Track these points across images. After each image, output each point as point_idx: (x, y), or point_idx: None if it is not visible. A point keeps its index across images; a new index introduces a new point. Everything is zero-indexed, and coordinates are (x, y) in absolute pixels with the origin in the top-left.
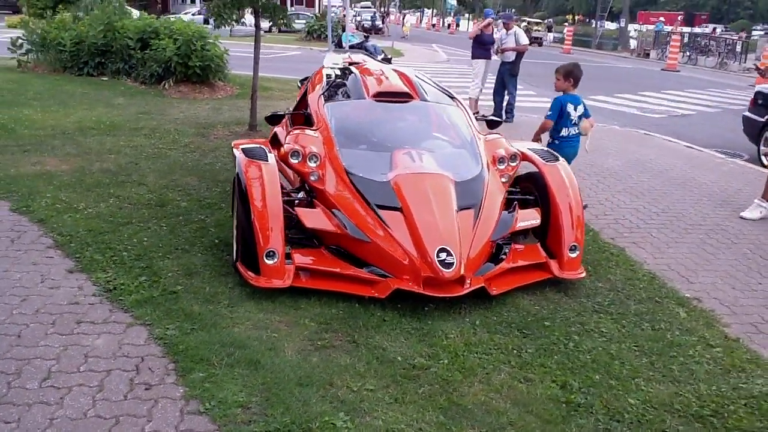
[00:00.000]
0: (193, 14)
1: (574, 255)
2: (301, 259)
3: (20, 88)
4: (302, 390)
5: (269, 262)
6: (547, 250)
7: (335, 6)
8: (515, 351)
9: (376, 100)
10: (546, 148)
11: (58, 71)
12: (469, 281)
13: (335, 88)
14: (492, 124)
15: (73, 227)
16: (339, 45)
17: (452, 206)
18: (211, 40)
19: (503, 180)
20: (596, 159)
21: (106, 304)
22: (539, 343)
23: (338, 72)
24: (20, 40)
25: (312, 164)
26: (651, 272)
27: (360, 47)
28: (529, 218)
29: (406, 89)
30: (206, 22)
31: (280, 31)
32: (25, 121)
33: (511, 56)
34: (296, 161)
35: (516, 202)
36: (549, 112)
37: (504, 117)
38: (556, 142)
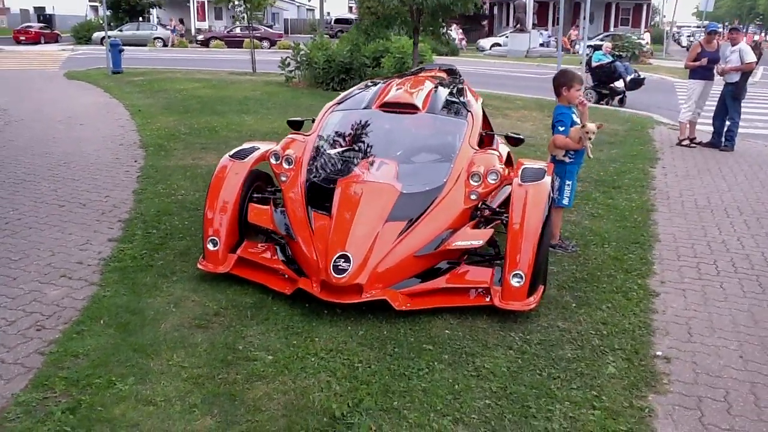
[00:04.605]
0: (506, 35)
1: (517, 284)
2: (243, 249)
3: (266, 98)
4: (131, 354)
5: (211, 248)
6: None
7: (674, 23)
8: (358, 365)
9: (382, 110)
10: (539, 167)
11: (313, 86)
12: (373, 292)
13: (353, 96)
14: (514, 142)
15: (151, 207)
16: (588, 64)
17: (379, 216)
18: (426, 57)
19: (472, 197)
20: None
21: (98, 266)
22: (393, 364)
23: (374, 82)
24: (288, 60)
25: (286, 166)
26: (645, 323)
27: (609, 66)
28: (473, 238)
29: (412, 101)
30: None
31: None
32: (234, 125)
33: (735, 77)
34: (275, 162)
35: (473, 221)
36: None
37: (722, 144)
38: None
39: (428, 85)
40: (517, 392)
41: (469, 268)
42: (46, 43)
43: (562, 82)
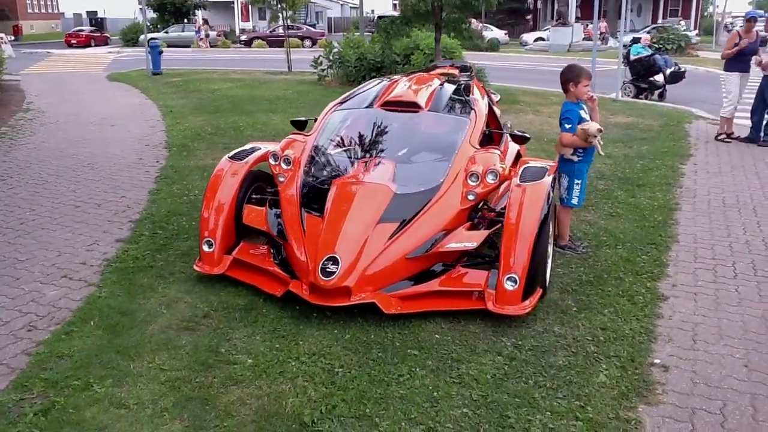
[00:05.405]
0: (549, 29)
1: (511, 287)
2: (239, 251)
3: (296, 97)
4: (113, 356)
5: (206, 249)
6: None
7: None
8: (338, 370)
9: (384, 109)
10: (541, 166)
11: (345, 84)
12: (362, 295)
13: (357, 95)
14: (520, 140)
15: (162, 208)
16: (627, 57)
17: (371, 217)
18: (456, 53)
19: (469, 197)
20: None
21: (100, 267)
22: (374, 369)
23: (380, 80)
24: (320, 58)
25: (285, 166)
26: (647, 328)
27: (648, 60)
28: (467, 240)
29: (413, 99)
30: None
31: None
32: (260, 125)
33: None
34: (273, 163)
35: (469, 222)
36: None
37: (761, 139)
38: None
39: (433, 83)
40: (498, 401)
41: (465, 271)
42: (96, 46)
43: (569, 77)
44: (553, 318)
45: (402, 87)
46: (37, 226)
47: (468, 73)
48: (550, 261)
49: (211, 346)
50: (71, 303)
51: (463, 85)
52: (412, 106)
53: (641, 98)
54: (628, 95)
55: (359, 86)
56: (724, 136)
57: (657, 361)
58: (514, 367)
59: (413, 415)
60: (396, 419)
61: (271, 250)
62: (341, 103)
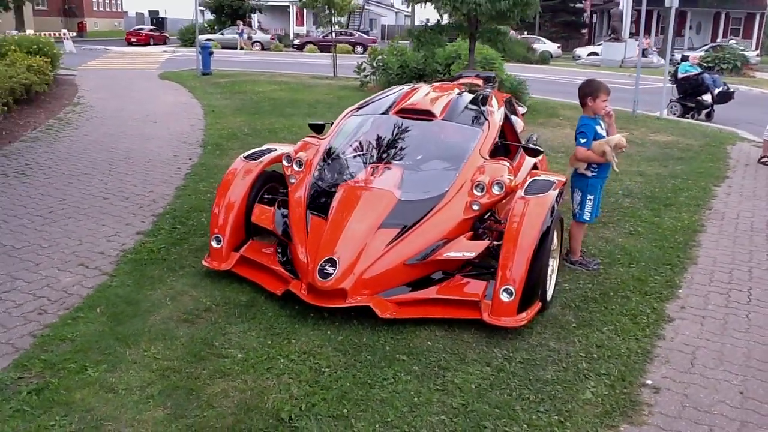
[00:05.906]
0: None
1: (507, 299)
2: (247, 248)
3: (336, 102)
4: (112, 342)
5: (215, 245)
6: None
7: None
8: (325, 370)
9: (399, 116)
10: (548, 180)
11: None
12: (358, 298)
13: (375, 101)
14: (532, 153)
15: (185, 204)
16: (674, 75)
17: (373, 222)
18: (496, 64)
19: (474, 207)
20: None
21: (116, 258)
22: (360, 371)
23: (399, 88)
24: (364, 64)
25: (297, 168)
26: (645, 349)
27: (696, 78)
28: (466, 249)
29: (428, 108)
30: None
31: None
32: (296, 127)
33: None
34: (286, 164)
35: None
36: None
37: None
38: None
39: (451, 93)
40: (478, 410)
41: (464, 280)
42: (155, 44)
43: (587, 92)
44: (549, 332)
45: (419, 95)
46: (65, 215)
47: (491, 84)
48: (554, 275)
49: (206, 339)
50: (83, 290)
51: (480, 96)
52: (426, 114)
53: (687, 117)
54: (674, 114)
55: (379, 92)
56: (766, 159)
57: (649, 381)
58: (500, 378)
59: (390, 419)
60: (372, 421)
61: (278, 250)
62: (359, 108)
